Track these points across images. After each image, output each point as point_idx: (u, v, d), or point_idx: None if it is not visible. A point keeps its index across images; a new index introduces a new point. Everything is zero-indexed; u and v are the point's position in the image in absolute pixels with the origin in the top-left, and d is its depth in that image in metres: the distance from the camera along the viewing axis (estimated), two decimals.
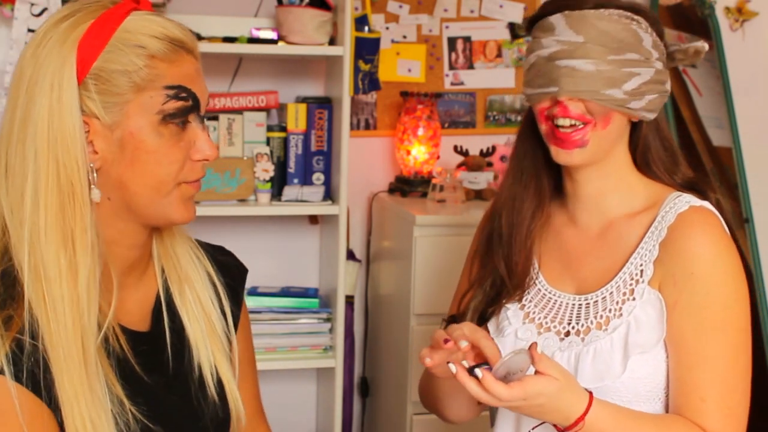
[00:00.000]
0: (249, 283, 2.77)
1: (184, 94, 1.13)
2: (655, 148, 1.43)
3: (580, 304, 1.42)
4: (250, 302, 2.66)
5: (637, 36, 1.35)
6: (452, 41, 3.04)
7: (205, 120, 1.20)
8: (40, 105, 1.08)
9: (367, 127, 3.02)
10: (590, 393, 1.26)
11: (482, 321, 1.50)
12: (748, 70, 3.26)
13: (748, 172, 3.16)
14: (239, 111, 2.70)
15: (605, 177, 1.42)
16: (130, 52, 1.10)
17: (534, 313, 1.46)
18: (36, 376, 1.07)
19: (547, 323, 1.44)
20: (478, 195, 2.91)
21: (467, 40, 3.06)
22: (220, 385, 1.27)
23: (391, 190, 2.98)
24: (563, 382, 1.23)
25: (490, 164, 2.97)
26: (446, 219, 2.61)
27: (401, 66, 3.02)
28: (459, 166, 2.96)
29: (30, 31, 2.36)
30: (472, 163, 2.95)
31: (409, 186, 2.91)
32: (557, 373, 1.23)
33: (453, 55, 3.05)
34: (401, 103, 2.96)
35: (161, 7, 2.56)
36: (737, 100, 3.18)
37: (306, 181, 2.72)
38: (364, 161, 3.00)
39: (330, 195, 2.72)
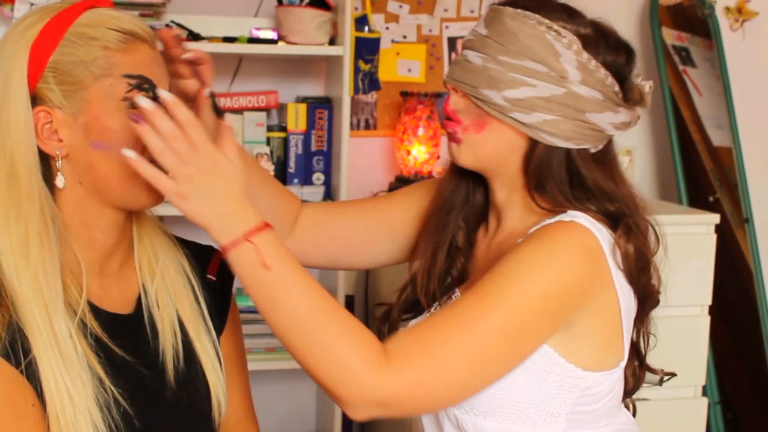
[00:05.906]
0: None
1: (146, 86, 1.17)
2: (555, 175, 1.28)
3: None
4: (250, 302, 2.65)
5: (552, 49, 1.24)
6: (452, 41, 3.04)
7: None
8: None
9: (367, 127, 3.02)
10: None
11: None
12: (748, 70, 3.26)
13: (748, 172, 3.16)
14: (239, 111, 2.70)
15: (507, 192, 1.34)
16: (84, 45, 1.15)
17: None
18: (13, 348, 1.11)
19: None
20: None
21: None
22: (201, 371, 1.28)
23: (391, 190, 2.97)
24: (241, 170, 1.11)
25: None
26: None
27: (401, 66, 3.02)
28: None
29: None
30: None
31: None
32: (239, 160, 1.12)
33: (453, 55, 3.03)
34: (401, 103, 2.96)
35: (161, 7, 2.56)
36: (737, 100, 3.18)
37: (306, 181, 2.72)
38: (364, 161, 3.00)
39: (330, 195, 2.72)
